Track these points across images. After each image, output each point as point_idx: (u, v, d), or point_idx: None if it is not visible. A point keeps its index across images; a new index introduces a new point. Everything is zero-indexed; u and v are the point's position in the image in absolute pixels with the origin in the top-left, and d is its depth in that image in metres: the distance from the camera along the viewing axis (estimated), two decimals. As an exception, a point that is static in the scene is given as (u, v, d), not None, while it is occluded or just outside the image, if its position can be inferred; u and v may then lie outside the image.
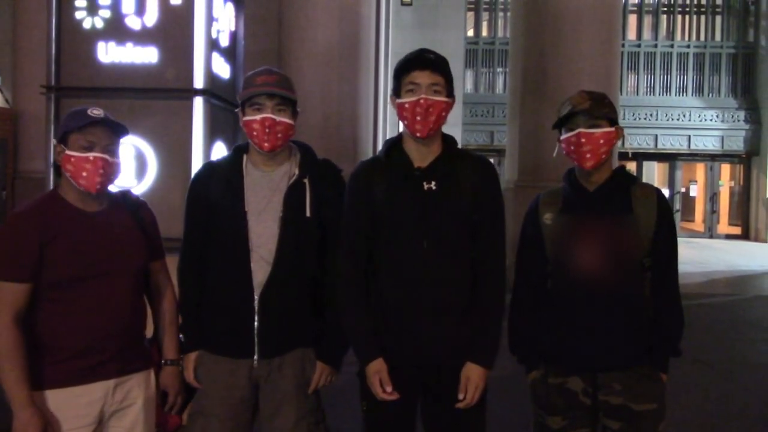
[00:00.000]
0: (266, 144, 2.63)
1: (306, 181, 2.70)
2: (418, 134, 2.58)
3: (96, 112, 2.46)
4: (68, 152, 2.45)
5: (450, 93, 2.62)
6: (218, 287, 2.71)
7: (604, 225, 2.62)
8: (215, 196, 2.70)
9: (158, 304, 2.76)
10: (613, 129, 2.63)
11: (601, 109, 2.61)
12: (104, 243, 2.49)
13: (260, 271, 2.64)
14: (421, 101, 2.55)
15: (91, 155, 2.43)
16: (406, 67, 2.59)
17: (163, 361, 2.73)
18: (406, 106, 2.57)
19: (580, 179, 2.70)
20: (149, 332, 2.76)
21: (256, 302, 2.64)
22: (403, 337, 2.60)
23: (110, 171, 2.48)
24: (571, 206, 2.69)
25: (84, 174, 2.43)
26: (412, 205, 2.59)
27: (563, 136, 2.66)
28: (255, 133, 2.64)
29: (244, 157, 2.75)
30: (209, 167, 2.85)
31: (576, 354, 2.63)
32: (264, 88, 2.63)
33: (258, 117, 2.62)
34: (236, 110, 2.78)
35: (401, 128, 2.70)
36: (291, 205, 2.66)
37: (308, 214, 2.67)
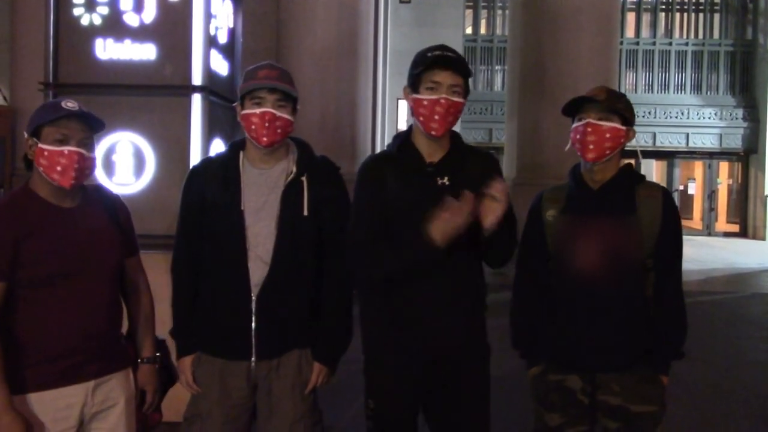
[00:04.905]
0: (265, 138, 2.58)
1: (303, 179, 2.66)
2: (433, 132, 2.58)
3: (70, 104, 2.36)
4: (41, 145, 2.34)
5: (466, 94, 2.62)
6: (214, 287, 2.66)
7: (606, 224, 2.60)
8: (211, 193, 2.65)
9: (134, 301, 2.69)
10: (623, 127, 2.60)
11: (615, 104, 2.58)
12: (81, 240, 2.41)
13: (258, 270, 2.60)
14: (442, 101, 2.54)
15: (65, 149, 2.33)
16: (428, 65, 2.56)
17: (139, 360, 2.67)
18: (425, 103, 2.56)
19: (585, 177, 2.68)
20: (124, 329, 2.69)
21: (253, 303, 2.60)
22: (414, 332, 2.61)
23: (85, 166, 2.38)
24: (575, 204, 2.67)
25: (58, 168, 2.33)
26: (427, 201, 2.56)
27: (573, 126, 2.64)
28: (254, 127, 2.59)
29: (241, 153, 2.70)
30: (205, 163, 2.81)
31: (575, 353, 2.62)
32: (266, 82, 2.58)
33: (258, 111, 2.57)
34: (234, 104, 2.74)
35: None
36: (288, 203, 2.63)
37: (305, 212, 2.63)
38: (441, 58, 2.56)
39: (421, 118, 2.58)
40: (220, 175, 2.67)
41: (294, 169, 2.67)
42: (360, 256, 2.62)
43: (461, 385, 2.67)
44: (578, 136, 2.59)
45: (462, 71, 2.59)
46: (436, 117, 2.55)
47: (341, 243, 2.68)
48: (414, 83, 2.60)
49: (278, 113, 2.58)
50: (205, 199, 2.66)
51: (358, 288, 2.75)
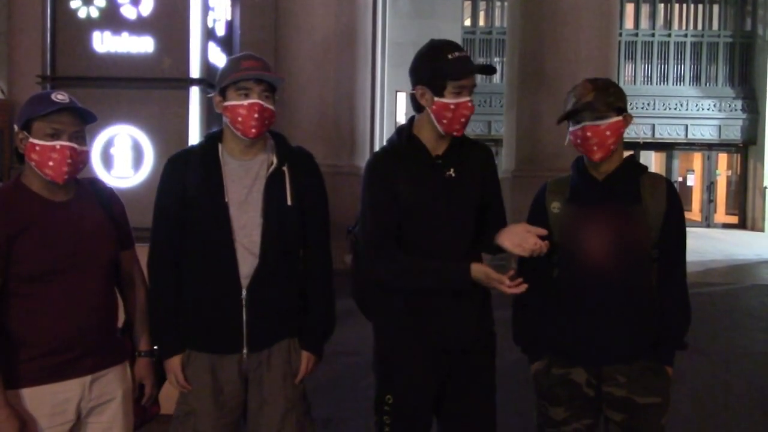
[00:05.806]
0: (253, 130, 2.55)
1: (285, 169, 2.65)
2: (455, 134, 2.63)
3: (61, 97, 2.32)
4: (32, 140, 2.30)
5: None
6: (200, 282, 2.62)
7: (612, 215, 2.59)
8: (191, 186, 2.61)
9: (130, 295, 2.67)
10: (620, 118, 2.58)
11: (605, 99, 2.56)
12: (75, 234, 2.38)
13: (246, 263, 2.58)
14: (470, 104, 2.62)
15: (57, 144, 2.29)
16: (461, 72, 2.59)
17: (136, 353, 2.66)
18: (452, 107, 2.58)
19: (588, 168, 2.67)
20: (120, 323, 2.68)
21: (243, 295, 2.58)
22: (429, 323, 2.63)
23: (78, 160, 2.35)
24: (579, 195, 2.66)
25: (50, 163, 2.29)
26: (437, 194, 2.62)
27: (571, 129, 2.63)
28: (240, 119, 2.55)
29: (219, 146, 2.66)
30: (182, 155, 2.75)
31: (580, 345, 2.61)
32: (253, 73, 2.55)
33: (245, 102, 2.54)
34: (210, 95, 2.69)
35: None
36: (272, 194, 2.61)
37: (289, 202, 2.63)
38: (470, 65, 2.62)
39: (445, 121, 2.59)
40: (199, 168, 2.63)
41: (275, 160, 2.65)
42: (381, 264, 2.64)
43: (472, 376, 2.70)
44: (579, 141, 2.58)
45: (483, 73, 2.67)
46: (462, 120, 2.60)
47: (323, 230, 2.74)
48: (437, 88, 2.59)
49: (265, 104, 2.57)
50: (186, 192, 2.62)
51: (369, 284, 2.74)
